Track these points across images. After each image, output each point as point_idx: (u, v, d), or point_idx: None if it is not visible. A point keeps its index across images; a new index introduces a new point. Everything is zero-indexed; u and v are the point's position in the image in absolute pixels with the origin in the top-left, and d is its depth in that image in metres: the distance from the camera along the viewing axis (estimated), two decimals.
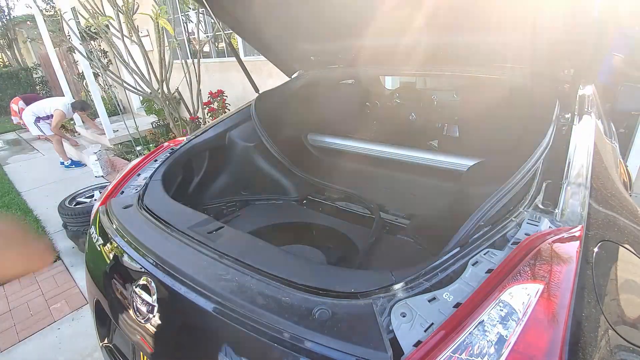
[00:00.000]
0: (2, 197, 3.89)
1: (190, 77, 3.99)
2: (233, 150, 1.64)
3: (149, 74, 3.70)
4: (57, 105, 5.35)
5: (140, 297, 0.80)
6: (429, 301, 0.58)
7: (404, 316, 0.56)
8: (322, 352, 0.55)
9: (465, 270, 0.62)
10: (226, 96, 5.51)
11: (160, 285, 0.78)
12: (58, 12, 4.34)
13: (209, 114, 4.54)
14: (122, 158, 4.60)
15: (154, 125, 5.48)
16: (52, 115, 5.39)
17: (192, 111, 4.36)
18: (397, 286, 0.63)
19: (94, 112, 5.74)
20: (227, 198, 1.64)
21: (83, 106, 5.45)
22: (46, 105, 5.43)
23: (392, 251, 1.30)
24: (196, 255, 0.80)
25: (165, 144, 1.52)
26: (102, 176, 4.26)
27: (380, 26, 1.50)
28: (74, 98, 5.99)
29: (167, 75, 3.67)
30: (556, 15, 1.05)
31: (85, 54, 4.53)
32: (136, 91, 3.78)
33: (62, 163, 5.01)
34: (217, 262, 0.75)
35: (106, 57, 7.31)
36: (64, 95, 5.76)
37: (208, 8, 1.42)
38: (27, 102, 6.03)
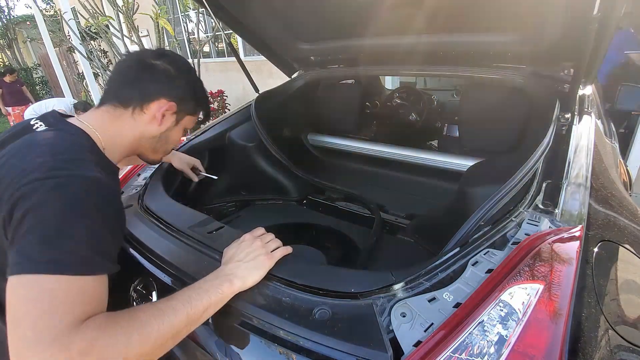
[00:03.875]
0: None
1: None
2: (233, 151, 1.64)
3: None
4: (59, 105, 5.37)
5: (140, 297, 0.80)
6: (429, 301, 0.58)
7: (404, 316, 0.56)
8: (322, 352, 0.55)
9: (465, 270, 0.62)
10: (226, 96, 5.49)
11: (160, 285, 0.78)
12: (58, 12, 4.34)
13: None
14: None
15: None
16: None
17: None
18: (397, 286, 0.63)
19: None
20: (227, 198, 1.64)
21: (85, 107, 5.49)
22: (49, 105, 5.46)
23: (392, 251, 1.31)
24: (197, 255, 0.81)
25: None
26: None
27: (381, 26, 1.50)
28: (74, 98, 6.01)
29: None
30: (556, 15, 1.05)
31: (85, 54, 4.53)
32: None
33: None
34: (217, 262, 0.75)
35: (106, 57, 7.31)
36: (64, 96, 5.78)
37: (208, 8, 1.42)
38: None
